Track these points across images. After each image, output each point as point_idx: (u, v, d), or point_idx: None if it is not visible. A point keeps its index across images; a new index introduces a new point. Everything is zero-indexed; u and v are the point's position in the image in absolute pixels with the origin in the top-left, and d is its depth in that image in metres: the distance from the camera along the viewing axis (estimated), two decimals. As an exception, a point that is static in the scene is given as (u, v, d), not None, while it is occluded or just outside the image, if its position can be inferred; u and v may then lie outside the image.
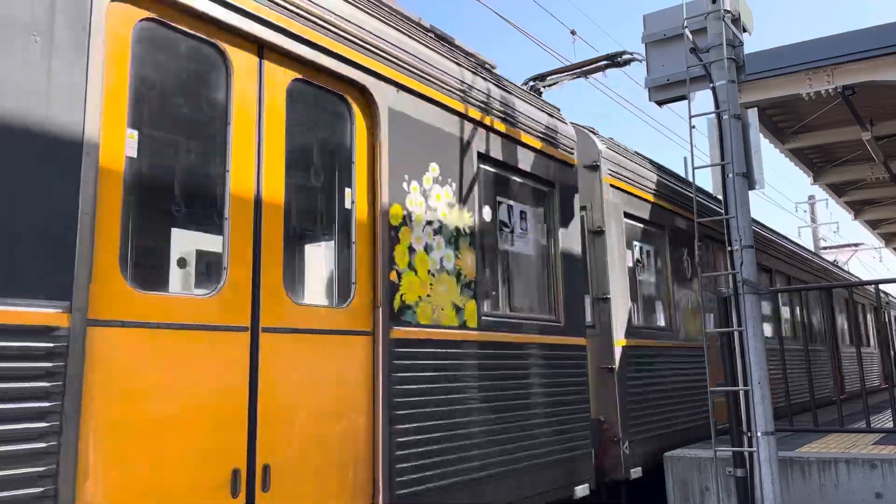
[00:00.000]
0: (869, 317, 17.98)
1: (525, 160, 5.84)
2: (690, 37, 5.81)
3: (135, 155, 3.29)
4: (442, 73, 5.10)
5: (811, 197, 30.61)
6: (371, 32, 4.54)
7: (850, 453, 6.42)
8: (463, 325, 4.94)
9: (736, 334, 5.70)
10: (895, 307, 19.38)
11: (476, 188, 5.28)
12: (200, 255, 3.68)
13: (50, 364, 2.72)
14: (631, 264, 7.60)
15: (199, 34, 3.59)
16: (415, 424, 4.44)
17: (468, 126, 5.31)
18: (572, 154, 6.50)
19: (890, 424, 8.70)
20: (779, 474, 5.51)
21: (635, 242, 7.79)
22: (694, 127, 6.19)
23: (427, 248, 4.77)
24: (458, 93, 5.23)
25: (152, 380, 3.11)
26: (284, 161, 3.93)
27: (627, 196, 7.54)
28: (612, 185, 7.20)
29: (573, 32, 12.54)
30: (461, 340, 4.90)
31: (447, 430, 4.67)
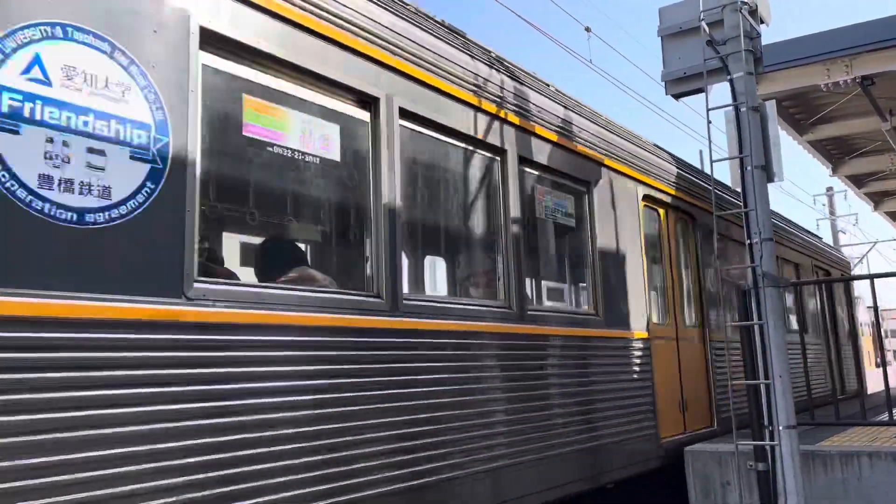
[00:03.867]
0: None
1: None
2: (707, 29, 5.77)
3: None
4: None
5: (829, 189, 30.34)
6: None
7: (872, 447, 6.38)
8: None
9: (756, 328, 5.66)
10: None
11: None
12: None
13: None
14: None
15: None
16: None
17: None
18: None
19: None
20: (801, 468, 5.48)
21: None
22: (710, 122, 6.15)
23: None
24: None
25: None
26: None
27: None
28: None
29: (588, 29, 12.46)
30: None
31: None
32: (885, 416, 7.28)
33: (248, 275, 4.54)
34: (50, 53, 2.85)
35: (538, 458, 5.39)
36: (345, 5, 4.29)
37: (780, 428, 5.43)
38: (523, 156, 5.77)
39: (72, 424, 2.75)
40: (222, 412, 3.21)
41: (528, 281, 5.99)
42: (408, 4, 5.02)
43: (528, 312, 5.54)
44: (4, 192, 2.66)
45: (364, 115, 4.44)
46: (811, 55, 7.30)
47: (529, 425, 5.34)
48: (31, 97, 2.78)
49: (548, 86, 6.50)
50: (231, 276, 4.01)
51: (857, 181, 13.82)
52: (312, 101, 4.15)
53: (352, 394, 3.93)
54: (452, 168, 5.42)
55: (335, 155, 4.33)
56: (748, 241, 5.67)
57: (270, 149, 3.95)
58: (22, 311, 2.66)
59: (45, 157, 2.78)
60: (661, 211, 8.00)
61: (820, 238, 15.62)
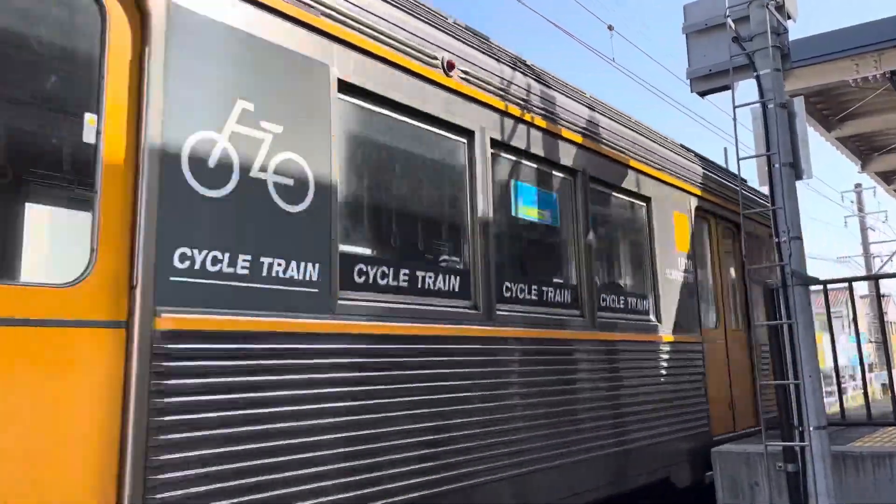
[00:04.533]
0: None
1: None
2: (733, 26, 5.72)
3: None
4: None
5: (858, 185, 29.88)
6: None
7: (905, 447, 6.27)
8: None
9: (785, 327, 5.59)
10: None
11: None
12: None
13: None
14: None
15: None
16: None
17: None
18: None
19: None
20: (831, 469, 5.41)
21: None
22: (736, 120, 6.09)
23: None
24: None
25: None
26: None
27: None
28: None
29: (610, 28, 12.40)
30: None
31: None
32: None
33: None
34: None
35: None
36: None
37: (811, 428, 5.36)
38: None
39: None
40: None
41: None
42: None
43: None
44: None
45: None
46: (840, 50, 7.20)
47: None
48: None
49: None
50: None
51: (887, 178, 13.61)
52: None
53: None
54: None
55: None
56: (776, 240, 5.60)
57: None
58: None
59: None
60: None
61: (735, 176, 9.39)
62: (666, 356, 6.78)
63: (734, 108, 5.87)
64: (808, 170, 5.64)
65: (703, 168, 8.29)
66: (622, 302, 6.45)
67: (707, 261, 8.27)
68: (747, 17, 5.79)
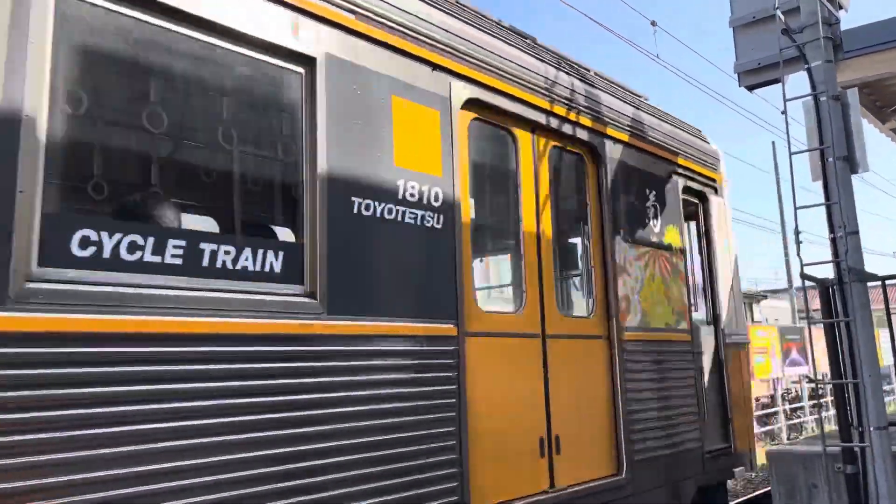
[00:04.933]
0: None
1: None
2: (783, 17, 5.60)
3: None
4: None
5: (914, 178, 28.95)
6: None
7: (972, 448, 6.05)
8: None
9: (843, 325, 5.45)
10: None
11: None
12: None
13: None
14: None
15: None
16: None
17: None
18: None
19: None
20: (893, 470, 5.25)
21: None
22: (786, 113, 5.95)
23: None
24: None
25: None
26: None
27: None
28: None
29: (654, 23, 12.23)
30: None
31: None
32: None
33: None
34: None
35: None
36: None
37: (871, 429, 5.22)
38: None
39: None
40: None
41: None
42: None
43: None
44: None
45: None
46: (894, 39, 6.98)
47: None
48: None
49: None
50: None
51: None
52: None
53: None
54: None
55: None
56: (831, 236, 5.47)
57: None
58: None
59: None
60: None
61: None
62: (328, 365, 3.70)
63: (785, 101, 5.74)
64: (864, 163, 5.49)
65: (491, 36, 5.21)
66: (194, 254, 3.31)
67: (504, 199, 5.56)
68: (797, 9, 5.66)
